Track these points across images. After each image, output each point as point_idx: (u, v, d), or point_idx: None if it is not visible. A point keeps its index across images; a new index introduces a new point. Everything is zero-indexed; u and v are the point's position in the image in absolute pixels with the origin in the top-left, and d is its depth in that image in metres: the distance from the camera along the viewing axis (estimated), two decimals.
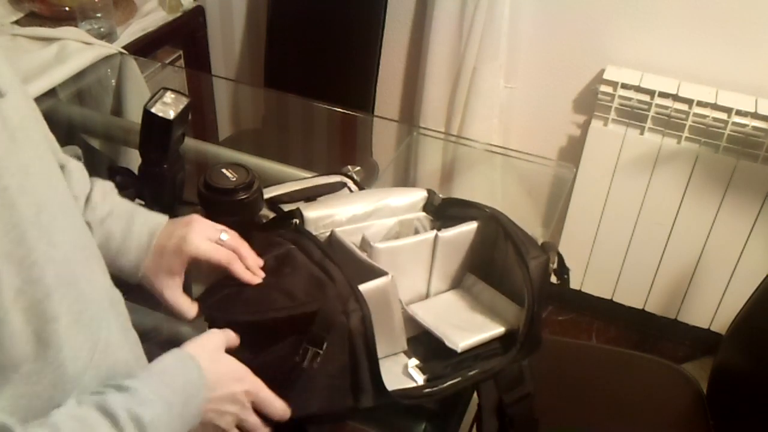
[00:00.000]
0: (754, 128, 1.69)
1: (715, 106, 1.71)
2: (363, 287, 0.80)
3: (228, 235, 0.83)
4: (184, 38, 2.07)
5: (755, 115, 1.68)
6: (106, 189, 0.84)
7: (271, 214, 1.15)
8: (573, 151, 1.98)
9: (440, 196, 1.01)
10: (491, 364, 0.87)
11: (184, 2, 1.96)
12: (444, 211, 1.00)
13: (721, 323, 1.97)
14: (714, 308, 1.97)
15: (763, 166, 1.73)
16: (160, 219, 0.83)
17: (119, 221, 0.79)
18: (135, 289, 0.96)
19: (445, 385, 0.84)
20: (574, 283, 2.07)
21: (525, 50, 1.91)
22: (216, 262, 0.80)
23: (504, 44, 1.86)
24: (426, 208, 1.01)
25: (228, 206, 0.98)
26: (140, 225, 0.80)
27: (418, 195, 1.00)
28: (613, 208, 1.93)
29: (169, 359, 0.68)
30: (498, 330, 0.91)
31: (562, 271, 0.93)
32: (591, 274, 2.04)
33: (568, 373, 1.38)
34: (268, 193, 1.09)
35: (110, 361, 0.65)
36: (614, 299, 2.06)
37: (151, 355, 0.71)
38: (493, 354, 0.89)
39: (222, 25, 2.28)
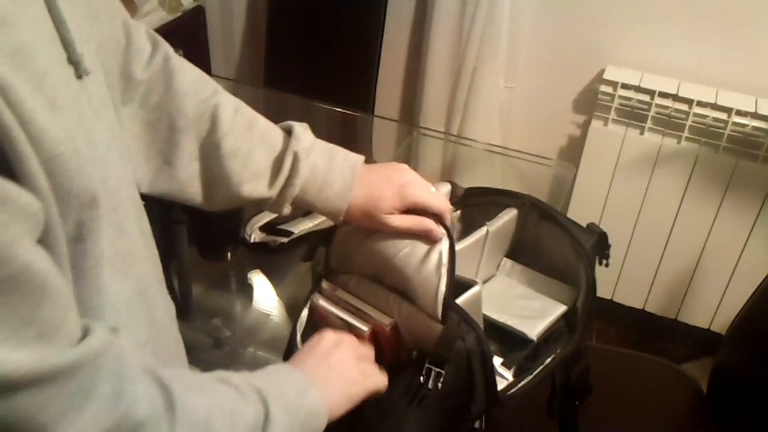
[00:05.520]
0: (754, 128, 1.69)
1: (715, 106, 1.71)
2: (460, 300, 0.79)
3: (436, 189, 0.87)
4: (184, 38, 2.07)
5: (755, 115, 1.68)
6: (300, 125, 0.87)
7: (270, 238, 1.16)
8: (573, 151, 1.97)
9: (462, 186, 1.01)
10: (559, 345, 0.88)
11: (184, 2, 1.96)
12: (466, 200, 1.00)
13: (721, 323, 1.97)
14: (714, 308, 1.96)
15: (763, 166, 1.73)
16: (357, 157, 0.86)
17: (322, 155, 0.84)
18: None
19: (534, 374, 0.85)
20: None
21: (525, 50, 1.91)
22: (435, 209, 0.82)
23: (504, 44, 1.85)
24: (450, 200, 1.01)
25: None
26: (341, 160, 0.84)
27: (444, 188, 1.00)
28: (613, 208, 1.92)
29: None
30: (561, 309, 0.92)
31: (603, 248, 0.94)
32: None
33: None
34: (261, 220, 1.12)
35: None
36: (614, 299, 2.06)
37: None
38: (557, 335, 0.90)
39: (222, 25, 2.28)
